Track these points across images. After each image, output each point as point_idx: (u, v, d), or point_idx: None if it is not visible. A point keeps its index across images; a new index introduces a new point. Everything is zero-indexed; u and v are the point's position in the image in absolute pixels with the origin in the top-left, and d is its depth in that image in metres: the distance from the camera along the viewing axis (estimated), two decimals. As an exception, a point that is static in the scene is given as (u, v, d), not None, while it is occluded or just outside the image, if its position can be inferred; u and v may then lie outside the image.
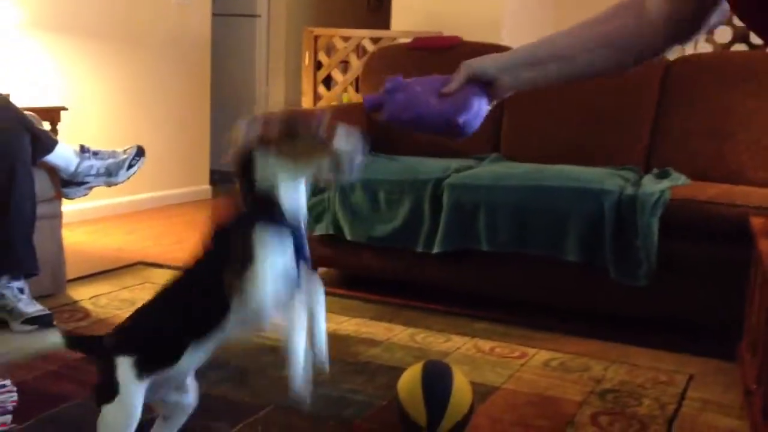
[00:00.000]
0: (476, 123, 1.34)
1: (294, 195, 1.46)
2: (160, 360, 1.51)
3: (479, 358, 2.50)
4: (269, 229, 1.42)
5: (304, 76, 4.63)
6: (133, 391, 1.48)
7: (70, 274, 3.10)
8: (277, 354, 2.44)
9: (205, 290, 1.48)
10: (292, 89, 6.34)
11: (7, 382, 2.08)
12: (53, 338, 1.59)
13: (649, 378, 2.38)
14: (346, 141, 1.42)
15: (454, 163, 3.24)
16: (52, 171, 2.90)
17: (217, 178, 5.81)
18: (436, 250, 2.99)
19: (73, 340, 1.64)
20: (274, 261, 1.41)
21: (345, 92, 4.62)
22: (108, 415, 1.48)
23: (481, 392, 2.14)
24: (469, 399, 1.87)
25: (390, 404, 2.04)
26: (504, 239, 2.90)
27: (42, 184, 2.82)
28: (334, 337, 2.63)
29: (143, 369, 1.48)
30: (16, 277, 2.64)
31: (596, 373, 2.41)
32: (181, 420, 1.66)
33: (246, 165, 1.44)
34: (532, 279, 2.95)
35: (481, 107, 1.34)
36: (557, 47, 1.35)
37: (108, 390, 1.48)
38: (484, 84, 1.34)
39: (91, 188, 2.97)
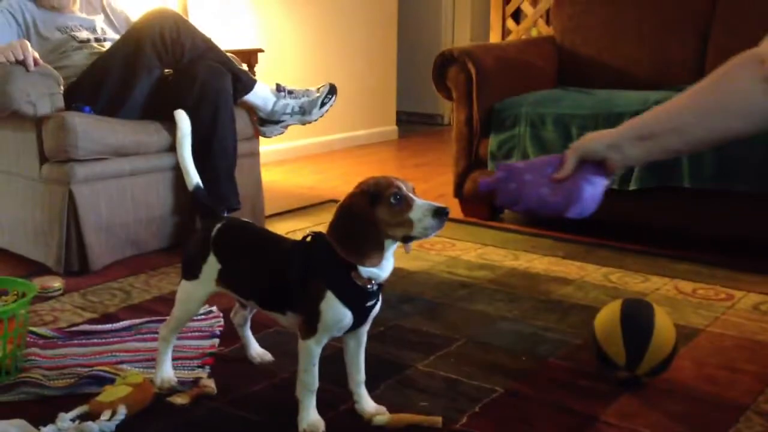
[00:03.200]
0: (591, 208, 1.35)
1: (385, 265, 1.52)
2: (231, 287, 1.71)
3: (680, 300, 2.37)
4: (336, 292, 1.50)
5: (492, 9, 4.51)
6: (203, 286, 1.72)
7: (268, 210, 3.24)
8: (468, 289, 2.45)
9: (279, 279, 1.59)
10: (478, 26, 6.23)
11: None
12: (190, 180, 1.82)
13: None
14: (422, 210, 1.44)
15: (654, 95, 3.06)
16: (251, 110, 3.01)
17: (403, 119, 5.86)
18: (632, 187, 2.85)
19: (199, 201, 1.83)
20: (325, 334, 1.53)
21: (534, 26, 4.47)
22: (182, 288, 1.75)
23: (684, 334, 2.03)
24: (673, 339, 1.78)
25: (585, 343, 1.98)
26: (710, 174, 2.71)
27: (242, 122, 2.95)
28: (525, 275, 2.60)
29: (220, 281, 1.71)
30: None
31: (813, 318, 2.22)
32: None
33: (350, 237, 1.50)
34: (738, 216, 2.75)
35: (595, 191, 1.34)
36: (671, 119, 1.29)
37: (192, 268, 1.72)
38: (597, 162, 1.32)
39: (287, 126, 3.07)
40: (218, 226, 1.71)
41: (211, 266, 1.68)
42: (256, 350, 1.92)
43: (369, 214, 1.46)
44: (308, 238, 1.57)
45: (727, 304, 2.34)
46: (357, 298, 1.52)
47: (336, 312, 1.50)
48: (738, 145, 2.66)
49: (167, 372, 1.77)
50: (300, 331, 1.55)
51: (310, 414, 1.58)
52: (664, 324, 1.77)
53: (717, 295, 2.41)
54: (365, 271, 1.49)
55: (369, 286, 1.51)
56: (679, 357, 1.83)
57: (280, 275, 1.57)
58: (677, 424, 1.64)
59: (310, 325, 1.53)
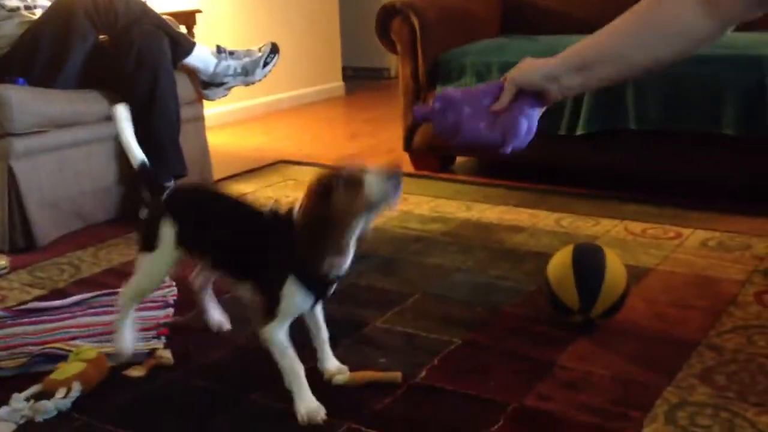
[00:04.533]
0: (527, 141, 1.33)
1: (347, 256, 1.47)
2: (193, 250, 1.67)
3: (630, 241, 2.40)
4: (299, 286, 1.47)
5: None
6: (166, 253, 1.66)
7: (216, 174, 3.19)
8: (422, 242, 2.45)
9: (242, 244, 1.56)
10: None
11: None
12: (135, 157, 1.76)
13: (819, 255, 2.22)
14: (377, 183, 1.36)
15: (596, 38, 3.06)
16: (192, 74, 2.95)
17: (349, 74, 5.80)
18: (579, 132, 2.87)
19: (144, 175, 1.76)
20: (285, 319, 1.50)
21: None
22: (142, 262, 1.69)
23: (635, 274, 2.06)
24: (624, 280, 1.80)
25: (539, 289, 2.00)
26: (654, 116, 2.74)
27: (183, 87, 2.88)
28: (477, 226, 2.61)
29: (181, 243, 1.66)
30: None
31: (759, 250, 2.27)
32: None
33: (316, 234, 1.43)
34: (684, 157, 2.79)
35: (531, 125, 1.32)
36: (606, 47, 1.28)
37: (150, 238, 1.66)
38: (534, 93, 1.31)
39: (229, 88, 3.01)
40: (168, 191, 1.68)
41: (168, 231, 1.63)
42: (215, 317, 1.88)
43: (326, 213, 1.38)
44: (279, 212, 1.52)
45: (676, 242, 2.38)
46: (320, 284, 1.50)
47: (298, 299, 1.48)
48: (682, 86, 2.68)
49: (125, 342, 1.70)
50: (260, 314, 1.51)
51: (305, 400, 1.50)
52: (614, 266, 1.79)
53: (666, 234, 2.45)
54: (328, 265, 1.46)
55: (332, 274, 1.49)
56: (631, 297, 1.86)
57: (248, 243, 1.55)
58: (632, 364, 1.67)
59: (271, 308, 1.49)
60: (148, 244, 1.66)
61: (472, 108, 1.34)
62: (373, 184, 1.36)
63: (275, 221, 1.52)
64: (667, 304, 1.95)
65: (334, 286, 1.54)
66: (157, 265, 1.68)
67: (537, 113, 1.34)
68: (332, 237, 1.41)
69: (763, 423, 1.44)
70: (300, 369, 1.52)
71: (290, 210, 1.47)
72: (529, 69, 1.32)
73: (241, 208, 1.63)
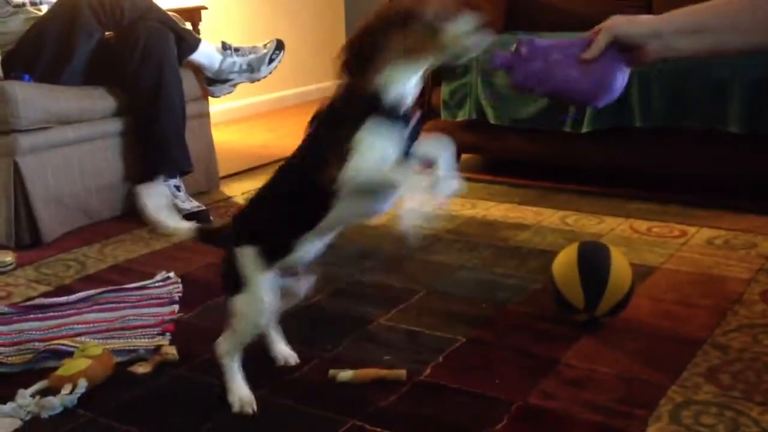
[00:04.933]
0: (616, 97, 1.26)
1: (407, 88, 1.38)
2: (278, 250, 1.48)
3: (636, 239, 2.40)
4: (379, 122, 1.35)
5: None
6: (260, 281, 1.47)
7: (222, 171, 3.19)
8: (427, 240, 2.45)
9: (309, 179, 1.41)
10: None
11: (171, 274, 2.18)
12: (186, 229, 1.59)
13: (825, 254, 2.22)
14: (463, 25, 1.31)
15: (602, 36, 3.05)
16: (197, 70, 2.95)
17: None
18: (585, 129, 2.87)
19: (203, 233, 1.61)
20: (375, 154, 1.35)
21: (481, -29, 4.41)
22: (238, 305, 1.50)
23: (640, 272, 2.06)
24: (629, 278, 1.80)
25: (544, 288, 1.99)
26: (659, 113, 2.73)
27: (189, 84, 2.88)
28: (482, 223, 2.61)
29: (265, 259, 1.47)
30: (171, 176, 2.74)
31: (765, 249, 2.27)
32: (286, 306, 1.63)
33: (361, 55, 1.37)
34: (689, 154, 2.78)
35: (624, 80, 1.25)
36: (730, 15, 1.23)
37: (235, 281, 1.48)
38: (626, 49, 1.24)
39: (235, 85, 3.02)
40: (230, 227, 1.56)
41: (247, 255, 1.48)
42: (282, 351, 1.70)
43: (391, 38, 1.31)
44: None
45: (681, 240, 2.37)
46: (395, 117, 1.37)
47: (377, 133, 1.35)
48: (687, 83, 2.68)
49: (243, 390, 1.54)
50: (328, 175, 1.37)
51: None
52: (620, 264, 1.79)
53: (671, 232, 2.45)
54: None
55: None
56: (636, 296, 1.86)
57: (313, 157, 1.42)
58: (637, 362, 1.67)
59: (342, 163, 1.35)
60: (236, 285, 1.49)
61: (562, 55, 1.27)
62: (461, 20, 1.30)
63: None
64: (672, 302, 1.95)
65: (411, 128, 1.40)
66: (249, 305, 1.50)
67: (627, 71, 1.26)
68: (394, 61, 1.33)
69: (768, 422, 1.44)
70: None
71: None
72: (630, 22, 1.26)
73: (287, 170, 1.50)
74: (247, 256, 1.47)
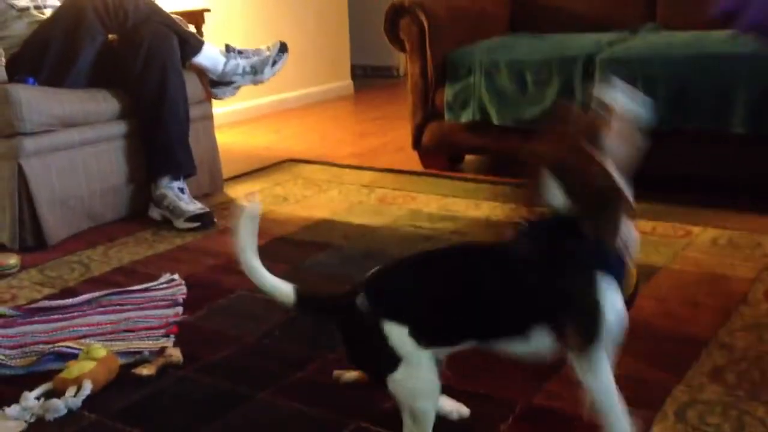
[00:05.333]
0: None
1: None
2: (436, 339, 1.30)
3: (640, 239, 2.39)
4: (608, 281, 1.24)
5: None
6: (419, 357, 1.28)
7: (225, 173, 3.20)
8: (432, 241, 2.45)
9: (507, 293, 1.26)
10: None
11: (176, 276, 2.19)
12: (285, 292, 1.33)
13: (830, 253, 2.21)
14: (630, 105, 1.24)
15: (606, 36, 3.05)
16: (201, 73, 2.96)
17: (358, 72, 5.80)
18: (589, 129, 2.86)
19: (309, 301, 1.37)
20: (616, 312, 1.24)
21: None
22: (403, 382, 1.29)
23: (645, 272, 2.05)
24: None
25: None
26: (664, 115, 2.72)
27: (192, 86, 2.89)
28: (487, 224, 2.60)
29: (421, 341, 1.28)
30: (175, 178, 2.74)
31: (769, 249, 2.26)
32: None
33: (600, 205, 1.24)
34: (694, 155, 2.77)
35: None
36: None
37: (387, 359, 1.28)
38: None
39: (238, 87, 3.02)
40: (362, 291, 1.31)
41: (398, 334, 1.27)
42: (450, 407, 1.51)
43: (604, 174, 1.21)
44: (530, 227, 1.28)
45: (685, 240, 2.37)
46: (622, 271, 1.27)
47: (615, 297, 1.25)
48: (692, 84, 2.67)
49: None
50: (573, 345, 1.25)
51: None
52: (624, 265, 1.78)
53: (675, 232, 2.44)
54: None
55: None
56: (641, 296, 1.84)
57: (513, 286, 1.27)
58: (642, 362, 1.66)
59: (589, 328, 1.23)
60: (389, 363, 1.29)
61: None
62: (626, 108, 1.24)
63: (531, 235, 1.28)
64: (677, 302, 1.95)
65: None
66: (413, 381, 1.30)
67: None
68: (617, 202, 1.23)
69: (774, 421, 1.43)
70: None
71: (545, 217, 1.28)
72: None
73: (464, 254, 1.37)
74: (400, 335, 1.27)
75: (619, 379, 1.59)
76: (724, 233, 2.41)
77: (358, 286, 1.32)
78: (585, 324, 1.23)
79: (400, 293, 1.31)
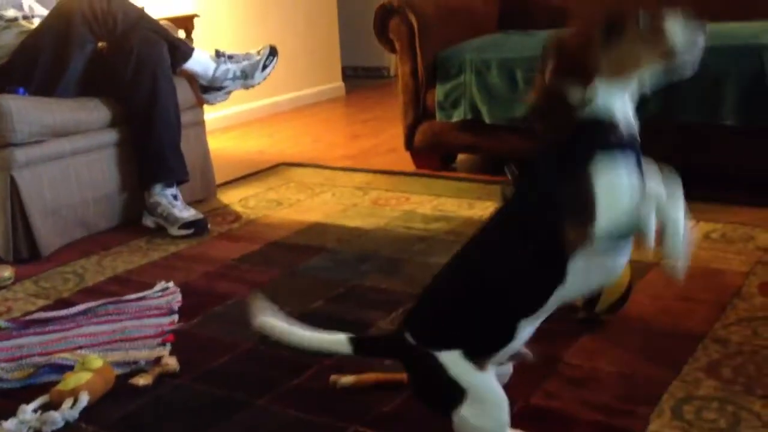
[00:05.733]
0: None
1: (624, 108, 1.22)
2: (490, 347, 1.26)
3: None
4: (612, 154, 1.17)
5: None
6: (481, 380, 1.24)
7: (218, 178, 3.19)
8: (425, 242, 2.45)
9: (532, 250, 1.21)
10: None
11: (170, 284, 2.18)
12: (337, 345, 1.33)
13: (823, 244, 2.22)
14: (682, 31, 1.17)
15: (594, 32, 3.06)
16: (192, 78, 2.95)
17: (349, 74, 5.80)
18: (580, 126, 2.86)
19: (364, 344, 1.37)
20: (623, 194, 1.17)
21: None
22: (470, 419, 1.24)
23: (638, 268, 2.05)
24: (627, 275, 1.80)
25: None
26: (653, 108, 2.73)
27: (183, 92, 2.88)
28: (480, 223, 2.60)
29: (476, 358, 1.24)
30: (168, 185, 2.74)
31: (762, 242, 2.27)
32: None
33: (557, 96, 1.19)
34: (684, 148, 2.78)
35: None
36: None
37: (450, 392, 1.25)
38: None
39: (229, 92, 3.01)
40: (405, 328, 1.30)
41: (453, 361, 1.24)
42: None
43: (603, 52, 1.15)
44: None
45: (679, 235, 2.37)
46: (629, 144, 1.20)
47: (621, 172, 1.18)
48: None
49: None
50: (569, 230, 1.17)
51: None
52: (618, 262, 1.78)
53: (669, 227, 2.44)
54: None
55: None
56: (635, 292, 1.86)
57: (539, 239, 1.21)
58: (638, 359, 1.67)
59: (583, 205, 1.16)
60: (452, 397, 1.25)
61: None
62: (677, 23, 1.17)
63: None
64: (671, 297, 1.95)
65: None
66: (481, 419, 1.25)
67: None
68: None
69: (770, 415, 1.44)
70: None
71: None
72: None
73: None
74: (455, 362, 1.24)
75: (615, 376, 1.60)
76: (717, 227, 2.41)
77: (403, 323, 1.30)
78: (576, 208, 1.17)
79: (438, 318, 1.28)
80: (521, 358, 1.39)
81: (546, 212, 1.21)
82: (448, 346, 1.25)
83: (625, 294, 1.80)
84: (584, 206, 1.16)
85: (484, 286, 1.26)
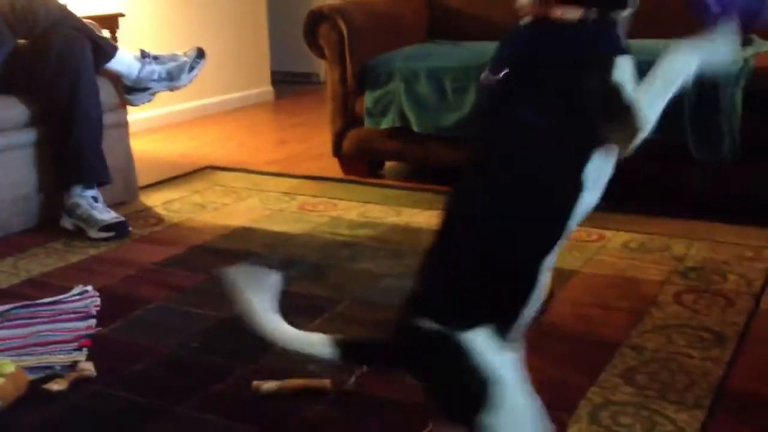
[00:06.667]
0: None
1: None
2: (517, 305, 1.15)
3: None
4: (628, 63, 1.14)
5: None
6: (509, 369, 1.11)
7: (141, 181, 3.13)
8: (351, 248, 2.45)
9: (545, 172, 1.15)
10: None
11: (89, 287, 2.13)
12: (320, 349, 1.18)
13: (734, 254, 2.30)
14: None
15: (521, 45, 3.11)
16: (115, 78, 2.89)
17: (278, 78, 5.77)
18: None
19: (355, 349, 1.22)
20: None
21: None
22: (503, 422, 1.09)
23: (560, 276, 2.10)
24: (548, 284, 1.83)
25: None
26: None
27: (106, 92, 2.82)
28: (407, 230, 2.62)
29: (505, 328, 1.12)
30: (89, 186, 2.67)
31: (678, 251, 2.34)
32: None
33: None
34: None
35: None
36: None
37: (475, 392, 1.09)
38: None
39: (154, 93, 2.96)
40: (415, 315, 1.15)
41: (483, 342, 1.11)
42: None
43: None
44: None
45: (599, 244, 2.43)
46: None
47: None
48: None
49: None
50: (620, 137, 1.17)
51: None
52: (540, 270, 1.81)
53: (590, 236, 2.50)
54: None
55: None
56: (556, 300, 1.90)
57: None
58: (557, 365, 1.70)
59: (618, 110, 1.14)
60: (478, 398, 1.10)
61: None
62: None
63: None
64: (590, 305, 2.00)
65: None
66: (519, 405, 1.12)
67: None
68: None
69: (682, 420, 1.48)
70: None
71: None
72: None
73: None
74: (482, 343, 1.09)
75: (535, 384, 1.62)
76: (636, 237, 2.48)
77: (405, 315, 1.15)
78: (611, 110, 1.14)
79: (460, 285, 1.13)
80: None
81: (553, 123, 1.15)
82: (478, 320, 1.11)
83: (546, 302, 1.82)
84: (620, 108, 1.13)
85: (502, 229, 1.14)
